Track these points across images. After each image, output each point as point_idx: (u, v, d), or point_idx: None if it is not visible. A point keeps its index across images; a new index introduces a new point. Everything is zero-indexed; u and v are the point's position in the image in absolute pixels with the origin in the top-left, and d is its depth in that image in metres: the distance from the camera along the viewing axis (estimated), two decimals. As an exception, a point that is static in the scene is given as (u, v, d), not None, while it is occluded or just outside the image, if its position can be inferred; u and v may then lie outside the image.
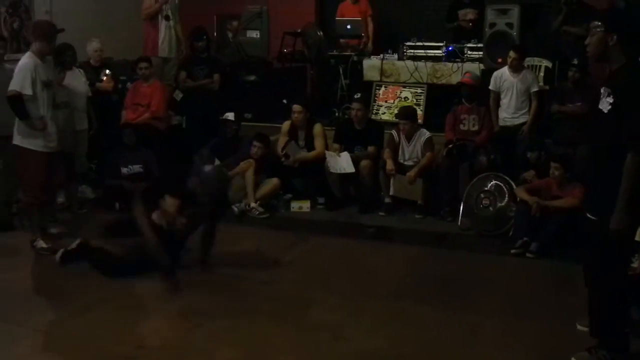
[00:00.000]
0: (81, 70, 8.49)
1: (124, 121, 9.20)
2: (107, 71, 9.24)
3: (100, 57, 9.32)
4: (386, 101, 9.82)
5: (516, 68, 8.41)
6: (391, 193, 8.30)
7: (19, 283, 6.21)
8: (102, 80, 9.13)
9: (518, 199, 7.29)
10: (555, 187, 7.15)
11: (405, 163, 8.33)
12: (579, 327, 5.20)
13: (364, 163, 8.35)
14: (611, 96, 4.35)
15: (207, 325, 5.32)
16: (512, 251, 6.99)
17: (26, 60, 6.72)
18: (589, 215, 4.59)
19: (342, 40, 10.48)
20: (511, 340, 5.13)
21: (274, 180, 8.49)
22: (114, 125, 9.14)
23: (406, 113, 8.44)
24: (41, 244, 6.95)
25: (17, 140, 6.81)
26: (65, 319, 5.50)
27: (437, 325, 5.37)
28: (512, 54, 8.39)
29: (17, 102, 6.60)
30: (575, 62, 8.07)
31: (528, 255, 6.88)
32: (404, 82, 9.83)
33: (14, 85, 6.58)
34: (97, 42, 9.25)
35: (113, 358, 4.86)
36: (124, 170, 8.50)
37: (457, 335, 5.20)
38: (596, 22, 4.50)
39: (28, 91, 6.58)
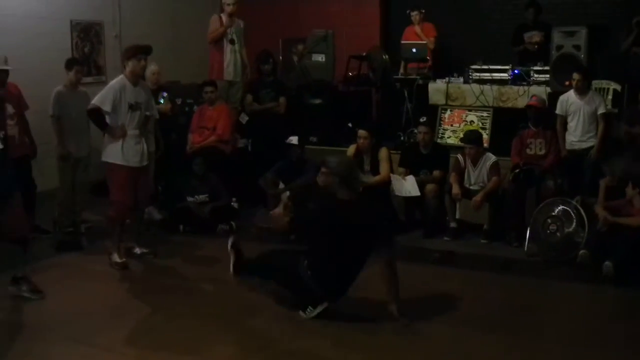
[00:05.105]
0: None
1: (191, 145, 9.35)
2: (165, 93, 9.38)
3: (157, 79, 9.32)
4: (452, 125, 9.77)
5: (581, 90, 8.25)
6: (457, 217, 8.25)
7: (88, 303, 6.30)
8: (160, 103, 9.21)
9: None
10: (634, 208, 7.04)
11: (471, 187, 8.25)
12: None
13: (430, 187, 8.30)
14: None
15: (271, 348, 5.34)
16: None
17: (115, 80, 7.16)
18: None
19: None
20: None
21: None
22: (181, 148, 9.32)
23: (472, 137, 8.36)
24: (115, 258, 7.17)
25: (103, 155, 7.18)
26: (132, 338, 5.56)
27: (502, 353, 5.29)
28: (575, 75, 8.24)
29: (95, 115, 7.04)
30: (647, 82, 7.95)
31: (604, 271, 6.78)
32: (469, 106, 9.77)
33: (95, 100, 7.01)
34: (154, 65, 9.17)
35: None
36: (190, 199, 8.58)
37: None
38: None
39: (107, 107, 6.96)
